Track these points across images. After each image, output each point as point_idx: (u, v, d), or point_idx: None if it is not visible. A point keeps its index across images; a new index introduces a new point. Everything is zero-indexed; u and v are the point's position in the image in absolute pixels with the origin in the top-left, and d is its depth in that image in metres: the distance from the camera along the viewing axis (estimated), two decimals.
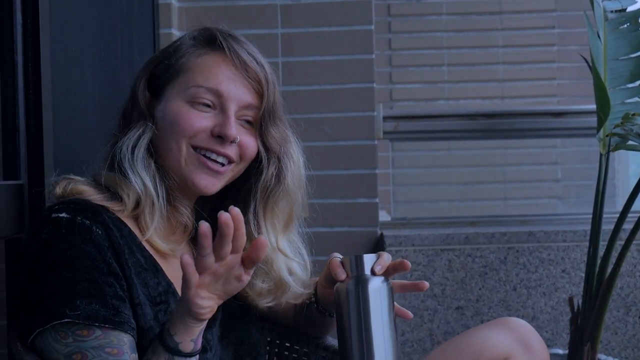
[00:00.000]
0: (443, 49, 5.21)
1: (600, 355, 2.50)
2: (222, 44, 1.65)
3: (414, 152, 5.02)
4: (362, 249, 2.85)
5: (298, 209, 1.76)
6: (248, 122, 1.67)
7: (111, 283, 1.52)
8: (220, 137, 1.61)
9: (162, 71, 1.68)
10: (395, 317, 1.63)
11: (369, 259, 1.61)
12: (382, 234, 2.86)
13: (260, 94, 1.65)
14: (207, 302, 1.39)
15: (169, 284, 1.62)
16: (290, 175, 1.71)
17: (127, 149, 1.62)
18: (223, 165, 1.64)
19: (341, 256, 1.67)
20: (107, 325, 1.50)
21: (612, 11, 2.57)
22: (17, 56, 1.82)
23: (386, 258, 1.63)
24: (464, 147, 5.02)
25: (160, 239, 1.64)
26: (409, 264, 1.65)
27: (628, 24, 2.55)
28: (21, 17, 1.83)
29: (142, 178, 1.60)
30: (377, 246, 2.85)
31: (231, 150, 1.63)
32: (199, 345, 1.45)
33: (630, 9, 2.59)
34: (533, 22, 5.23)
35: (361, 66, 2.88)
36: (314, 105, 2.86)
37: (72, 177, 1.63)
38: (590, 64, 2.43)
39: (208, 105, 1.62)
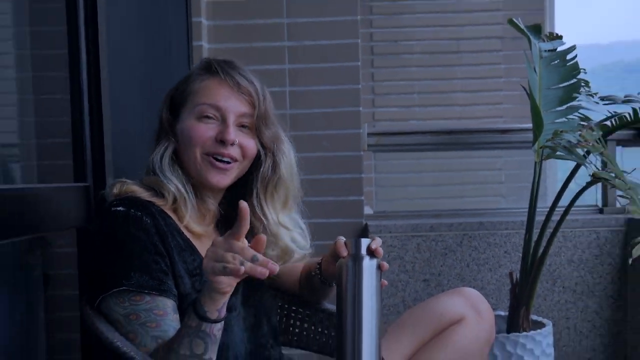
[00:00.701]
0: (414, 81, 5.21)
1: (532, 316, 2.52)
2: (216, 69, 1.68)
3: (391, 161, 5.02)
4: (350, 235, 2.86)
5: (294, 192, 1.77)
6: (246, 127, 1.68)
7: (157, 261, 1.55)
8: (222, 141, 1.63)
9: (178, 96, 1.71)
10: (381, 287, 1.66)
11: (365, 242, 1.63)
12: (366, 224, 2.87)
13: (252, 104, 1.67)
14: (224, 281, 1.39)
15: (202, 260, 1.63)
16: (284, 166, 1.72)
17: (157, 159, 1.66)
18: (229, 163, 1.66)
19: (345, 239, 1.68)
20: (154, 292, 1.52)
21: (545, 50, 2.58)
22: (83, 86, 1.84)
23: (378, 241, 1.64)
24: (430, 156, 5.02)
25: (196, 224, 1.67)
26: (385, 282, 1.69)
27: (558, 60, 2.57)
28: (85, 54, 1.84)
29: (173, 182, 1.64)
30: (363, 233, 2.86)
31: (233, 151, 1.65)
32: (222, 315, 1.45)
33: (559, 49, 2.61)
34: (484, 59, 5.22)
35: (350, 94, 2.89)
36: (314, 124, 2.87)
37: (125, 180, 1.67)
38: (529, 92, 2.45)
39: (211, 118, 1.65)
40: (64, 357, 1.92)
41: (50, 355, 1.88)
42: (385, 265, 1.64)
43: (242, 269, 1.35)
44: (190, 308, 1.44)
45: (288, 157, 1.75)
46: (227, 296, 1.44)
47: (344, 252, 1.65)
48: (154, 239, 1.56)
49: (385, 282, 1.69)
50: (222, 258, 1.37)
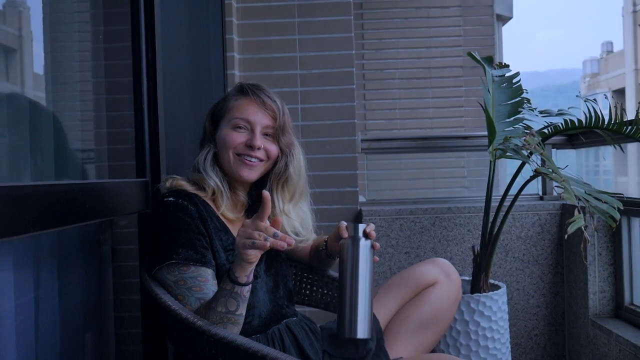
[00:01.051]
0: (396, 99, 5.21)
1: (490, 280, 2.49)
2: (247, 91, 1.66)
3: (379, 161, 5.02)
4: (349, 217, 2.84)
5: (300, 188, 1.73)
6: (269, 135, 1.66)
7: (199, 239, 1.53)
8: (251, 146, 1.62)
9: (218, 111, 1.70)
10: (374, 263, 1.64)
11: (361, 227, 1.62)
12: (360, 209, 2.85)
13: (274, 118, 1.65)
14: (252, 252, 1.39)
15: (234, 239, 1.61)
16: (292, 167, 1.69)
17: (202, 159, 1.65)
18: (255, 162, 1.64)
19: (346, 223, 1.67)
20: (197, 264, 1.50)
21: (496, 76, 2.56)
22: (144, 105, 1.83)
23: (372, 226, 1.64)
24: (409, 157, 5.03)
25: (230, 212, 1.65)
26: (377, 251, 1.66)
27: (506, 83, 2.54)
28: (146, 81, 1.83)
29: (212, 178, 1.62)
30: (358, 217, 2.83)
31: (259, 154, 1.64)
32: (250, 279, 1.43)
33: (507, 74, 2.58)
34: (449, 82, 5.23)
35: (347, 110, 2.87)
36: (321, 133, 2.86)
37: (175, 176, 1.66)
38: (484, 107, 2.42)
39: (243, 128, 1.63)
40: (128, 314, 1.91)
41: (117, 312, 1.86)
42: (377, 245, 1.63)
43: (267, 243, 1.36)
44: (225, 275, 1.43)
45: (298, 160, 1.71)
46: (254, 265, 1.42)
47: (345, 234, 1.64)
48: (197, 222, 1.54)
49: (377, 258, 1.68)
50: (251, 235, 1.37)
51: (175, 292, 1.49)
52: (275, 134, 1.66)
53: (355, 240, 1.60)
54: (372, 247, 1.62)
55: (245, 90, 1.67)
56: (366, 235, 1.62)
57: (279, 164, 1.68)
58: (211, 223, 1.57)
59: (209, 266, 1.52)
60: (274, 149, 1.66)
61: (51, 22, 1.64)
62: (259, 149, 1.63)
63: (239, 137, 1.63)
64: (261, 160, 1.65)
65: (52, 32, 1.64)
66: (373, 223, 1.69)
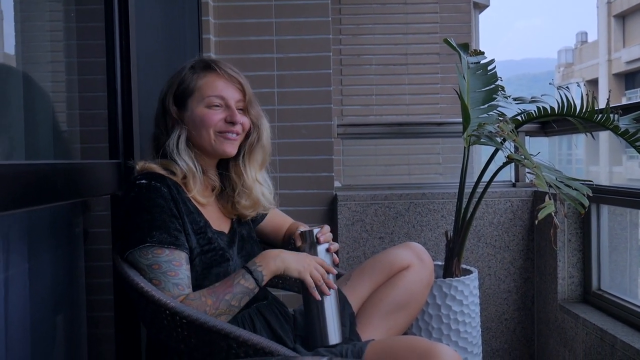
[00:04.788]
0: (372, 85, 5.22)
1: (462, 265, 2.51)
2: (214, 67, 1.66)
3: (355, 146, 5.02)
4: (324, 203, 2.84)
5: (268, 155, 1.77)
6: (241, 109, 1.68)
7: (173, 222, 1.52)
8: (231, 122, 1.64)
9: (182, 92, 1.66)
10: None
11: (316, 231, 1.66)
12: (336, 194, 2.85)
13: (242, 91, 1.67)
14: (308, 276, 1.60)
15: (206, 221, 1.62)
16: (265, 136, 1.73)
17: (174, 145, 1.63)
18: (235, 137, 1.66)
19: (302, 229, 1.70)
20: (172, 247, 1.50)
21: (472, 63, 2.57)
22: (117, 87, 1.81)
23: (326, 229, 1.68)
24: (384, 143, 5.03)
25: (200, 195, 1.65)
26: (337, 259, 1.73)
27: (481, 70, 2.55)
28: (119, 62, 1.81)
29: (186, 162, 1.62)
30: (334, 202, 2.83)
31: (238, 128, 1.66)
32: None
33: (482, 62, 2.59)
34: (426, 69, 5.25)
35: (324, 94, 2.86)
36: (297, 117, 2.85)
37: (146, 160, 1.65)
38: (459, 94, 2.43)
39: (218, 106, 1.64)
40: (100, 297, 1.89)
41: (88, 295, 1.85)
42: (333, 247, 1.67)
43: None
44: (247, 274, 1.52)
45: (267, 130, 1.75)
46: None
47: (299, 243, 1.68)
48: (170, 204, 1.53)
49: (337, 259, 1.73)
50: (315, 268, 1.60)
51: (150, 276, 1.48)
52: (245, 107, 1.69)
53: (312, 247, 1.64)
54: (328, 250, 1.65)
55: (212, 66, 1.67)
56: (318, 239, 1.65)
57: (252, 136, 1.71)
58: (183, 206, 1.57)
59: (182, 249, 1.51)
60: (247, 121, 1.69)
61: (22, 1, 1.61)
62: (238, 123, 1.65)
63: (217, 115, 1.64)
64: (238, 134, 1.68)
65: (22, 11, 1.61)
66: (329, 226, 1.72)
